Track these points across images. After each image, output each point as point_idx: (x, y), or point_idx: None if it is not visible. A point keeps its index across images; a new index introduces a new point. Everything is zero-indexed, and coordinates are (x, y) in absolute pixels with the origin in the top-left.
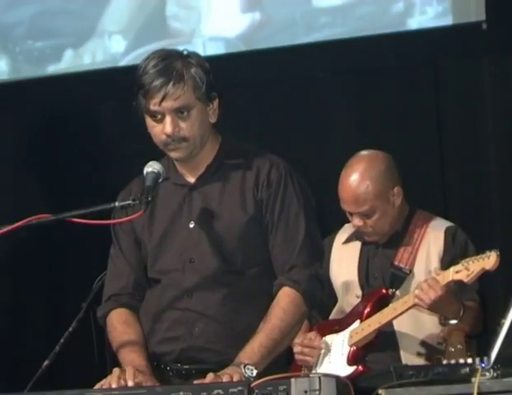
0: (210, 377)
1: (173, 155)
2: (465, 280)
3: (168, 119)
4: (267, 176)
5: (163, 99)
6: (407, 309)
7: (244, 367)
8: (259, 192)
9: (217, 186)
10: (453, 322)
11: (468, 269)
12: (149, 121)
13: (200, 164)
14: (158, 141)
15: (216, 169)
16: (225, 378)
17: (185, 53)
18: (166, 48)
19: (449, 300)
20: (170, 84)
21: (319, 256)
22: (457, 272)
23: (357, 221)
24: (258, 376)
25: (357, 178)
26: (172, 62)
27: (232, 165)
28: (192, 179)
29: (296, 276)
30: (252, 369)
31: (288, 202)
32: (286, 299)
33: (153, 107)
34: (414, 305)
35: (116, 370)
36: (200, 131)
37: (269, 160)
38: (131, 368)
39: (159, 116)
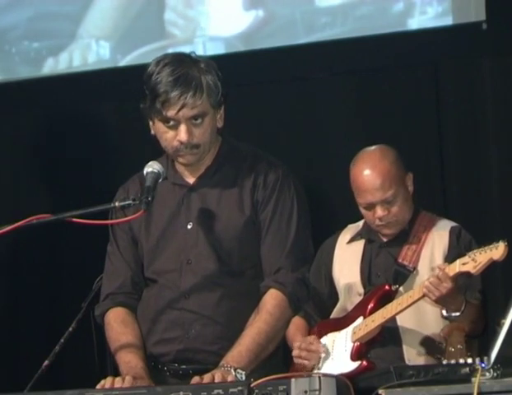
0: (196, 379)
1: (182, 160)
2: (472, 271)
3: (183, 127)
4: (264, 178)
5: (181, 108)
6: (413, 303)
7: (235, 371)
8: (256, 193)
9: (216, 187)
10: (456, 314)
11: (475, 260)
12: (161, 126)
13: (200, 165)
14: (169, 146)
15: (215, 170)
16: (217, 379)
17: (194, 56)
18: (169, 50)
19: (454, 294)
20: (190, 94)
21: (308, 260)
22: (464, 264)
23: (381, 211)
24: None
25: (376, 165)
26: (189, 70)
27: (231, 167)
28: (191, 180)
29: (282, 279)
30: (242, 374)
31: (282, 205)
32: (272, 302)
33: (169, 115)
34: (419, 299)
35: (110, 379)
36: (211, 137)
37: (267, 163)
38: (121, 378)
39: (172, 122)
